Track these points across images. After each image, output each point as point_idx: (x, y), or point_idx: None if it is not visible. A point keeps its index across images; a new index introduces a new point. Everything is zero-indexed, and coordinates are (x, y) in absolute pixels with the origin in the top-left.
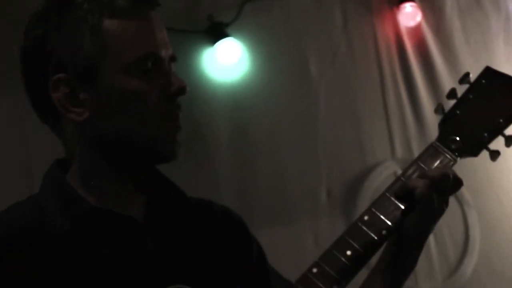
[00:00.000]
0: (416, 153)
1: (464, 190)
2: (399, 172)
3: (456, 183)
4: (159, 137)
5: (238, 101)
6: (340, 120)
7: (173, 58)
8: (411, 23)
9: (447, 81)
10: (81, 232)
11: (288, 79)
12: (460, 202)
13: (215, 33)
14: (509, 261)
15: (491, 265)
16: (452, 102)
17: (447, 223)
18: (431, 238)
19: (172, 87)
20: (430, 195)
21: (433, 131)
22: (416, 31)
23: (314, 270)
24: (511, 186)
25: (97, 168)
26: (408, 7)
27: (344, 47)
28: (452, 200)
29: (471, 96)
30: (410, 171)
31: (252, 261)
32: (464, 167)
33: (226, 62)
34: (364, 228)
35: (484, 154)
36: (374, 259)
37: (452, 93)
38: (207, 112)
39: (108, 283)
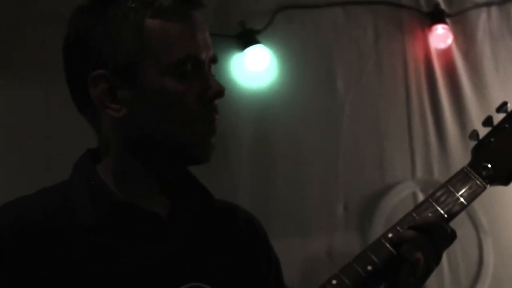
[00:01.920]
0: (437, 175)
1: (481, 217)
2: (418, 192)
3: (450, 236)
4: (194, 141)
5: (263, 108)
6: (362, 136)
7: (213, 60)
8: (442, 45)
9: (474, 107)
10: (107, 225)
11: (314, 90)
12: (477, 229)
13: (246, 39)
14: None
15: None
16: (487, 129)
17: (462, 248)
18: (444, 262)
19: (210, 91)
20: (415, 255)
21: (456, 155)
22: (446, 54)
23: (334, 281)
24: None
25: (128, 165)
26: (439, 29)
27: (373, 64)
28: (468, 226)
29: (507, 125)
30: (438, 194)
31: (269, 271)
32: (483, 193)
33: (255, 68)
34: (387, 245)
35: None
36: None
37: (488, 121)
38: (231, 116)
39: (130, 278)
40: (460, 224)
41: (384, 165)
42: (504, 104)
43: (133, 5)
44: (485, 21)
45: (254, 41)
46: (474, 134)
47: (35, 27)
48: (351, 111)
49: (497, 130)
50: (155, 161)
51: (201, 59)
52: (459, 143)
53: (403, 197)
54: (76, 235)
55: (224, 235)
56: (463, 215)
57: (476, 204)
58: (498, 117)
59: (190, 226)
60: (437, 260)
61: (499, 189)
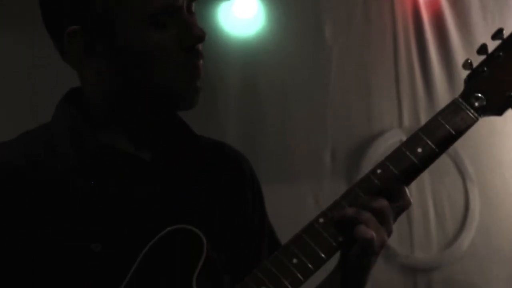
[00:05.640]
0: (423, 123)
1: (468, 165)
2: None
3: (406, 201)
4: (178, 87)
5: (250, 56)
6: (350, 85)
7: None
8: None
9: (461, 56)
10: (89, 167)
11: (302, 39)
12: (463, 177)
13: None
14: (507, 237)
15: (488, 240)
16: (482, 57)
17: (449, 196)
18: (430, 209)
19: (190, 37)
20: (371, 236)
21: (443, 104)
22: (433, 3)
23: (321, 220)
24: None
25: (111, 111)
26: None
27: (361, 13)
28: (455, 174)
29: (501, 53)
30: (429, 126)
31: (254, 213)
32: (469, 141)
33: (242, 16)
34: (376, 181)
35: (490, 131)
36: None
37: (482, 49)
38: (218, 64)
39: (112, 218)
40: (447, 173)
41: (371, 114)
42: (500, 30)
43: None
44: None
45: None
46: (467, 64)
47: None
48: (338, 60)
49: (491, 59)
50: (140, 109)
51: (178, 5)
52: (446, 92)
53: (390, 145)
54: (57, 176)
55: (208, 176)
56: (449, 164)
57: (462, 153)
58: (493, 45)
59: (173, 169)
60: (389, 233)
61: (485, 138)
